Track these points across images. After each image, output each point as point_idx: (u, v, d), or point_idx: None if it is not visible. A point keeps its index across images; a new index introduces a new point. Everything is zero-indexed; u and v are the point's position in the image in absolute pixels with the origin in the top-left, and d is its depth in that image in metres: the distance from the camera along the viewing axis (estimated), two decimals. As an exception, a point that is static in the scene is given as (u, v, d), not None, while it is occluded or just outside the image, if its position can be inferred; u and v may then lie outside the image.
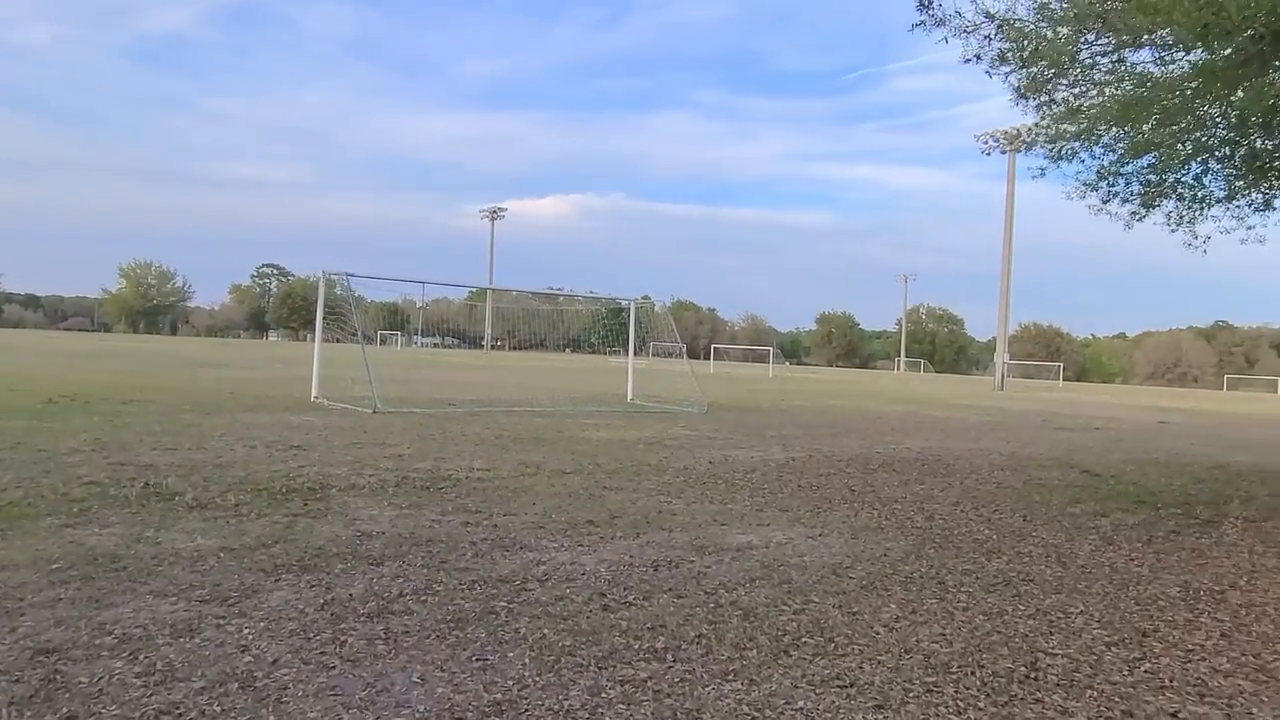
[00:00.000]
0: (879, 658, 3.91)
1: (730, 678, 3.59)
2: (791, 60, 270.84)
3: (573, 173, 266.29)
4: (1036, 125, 9.51)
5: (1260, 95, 6.80)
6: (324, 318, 18.66)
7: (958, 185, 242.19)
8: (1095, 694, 3.64)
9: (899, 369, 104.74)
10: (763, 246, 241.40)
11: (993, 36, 7.17)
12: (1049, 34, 7.00)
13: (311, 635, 3.80)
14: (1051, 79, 7.84)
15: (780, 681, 3.57)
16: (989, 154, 53.96)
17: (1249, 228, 9.51)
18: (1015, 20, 7.01)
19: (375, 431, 11.70)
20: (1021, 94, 8.57)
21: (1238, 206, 9.34)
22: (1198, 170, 9.17)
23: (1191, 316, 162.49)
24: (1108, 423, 22.64)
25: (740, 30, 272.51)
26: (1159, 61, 7.37)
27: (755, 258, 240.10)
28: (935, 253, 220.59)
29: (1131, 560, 6.18)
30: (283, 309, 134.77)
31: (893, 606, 4.71)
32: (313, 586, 4.51)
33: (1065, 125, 9.11)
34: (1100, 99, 8.41)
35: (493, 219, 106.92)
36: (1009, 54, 7.37)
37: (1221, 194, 9.23)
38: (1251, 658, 4.21)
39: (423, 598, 4.41)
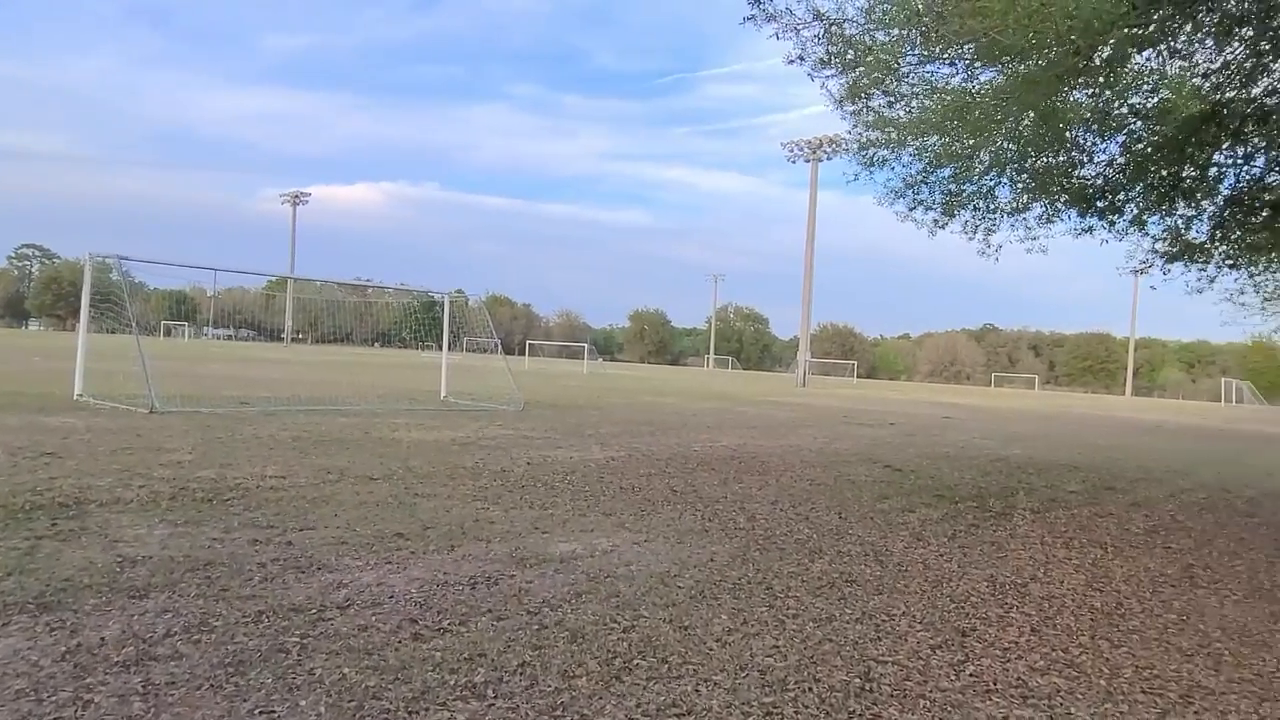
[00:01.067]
0: (714, 678, 3.69)
1: (558, 713, 3.24)
2: (608, 60, 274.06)
3: (384, 160, 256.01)
4: (850, 132, 9.79)
5: (1073, 109, 7.28)
6: (95, 305, 16.57)
7: (765, 191, 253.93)
8: (928, 703, 3.58)
9: (708, 366, 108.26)
10: (579, 243, 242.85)
11: (820, 38, 7.25)
12: (868, 40, 7.15)
13: (45, 696, 3.09)
14: (868, 86, 8.05)
15: (614, 714, 3.26)
16: (794, 161, 56.71)
17: (1034, 238, 10.31)
18: (843, 21, 7.11)
19: (151, 434, 10.41)
20: (839, 101, 8.77)
21: (1025, 218, 10.08)
22: (991, 183, 9.78)
23: (965, 320, 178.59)
24: (900, 418, 24.18)
25: (557, 26, 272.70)
26: (968, 74, 7.73)
27: (571, 254, 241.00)
28: (743, 254, 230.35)
29: (941, 556, 6.38)
30: (46, 295, 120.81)
31: (724, 617, 4.53)
32: (53, 630, 3.73)
33: (876, 133, 9.43)
34: (909, 110, 8.74)
35: (295, 204, 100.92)
36: (833, 57, 7.49)
37: (1011, 206, 9.91)
38: (1061, 653, 4.35)
39: (195, 637, 3.75)
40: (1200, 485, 12.30)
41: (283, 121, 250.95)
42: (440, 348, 22.96)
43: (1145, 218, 9.82)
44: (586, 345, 73.08)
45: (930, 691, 3.71)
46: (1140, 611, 5.24)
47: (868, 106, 8.70)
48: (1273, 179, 9.95)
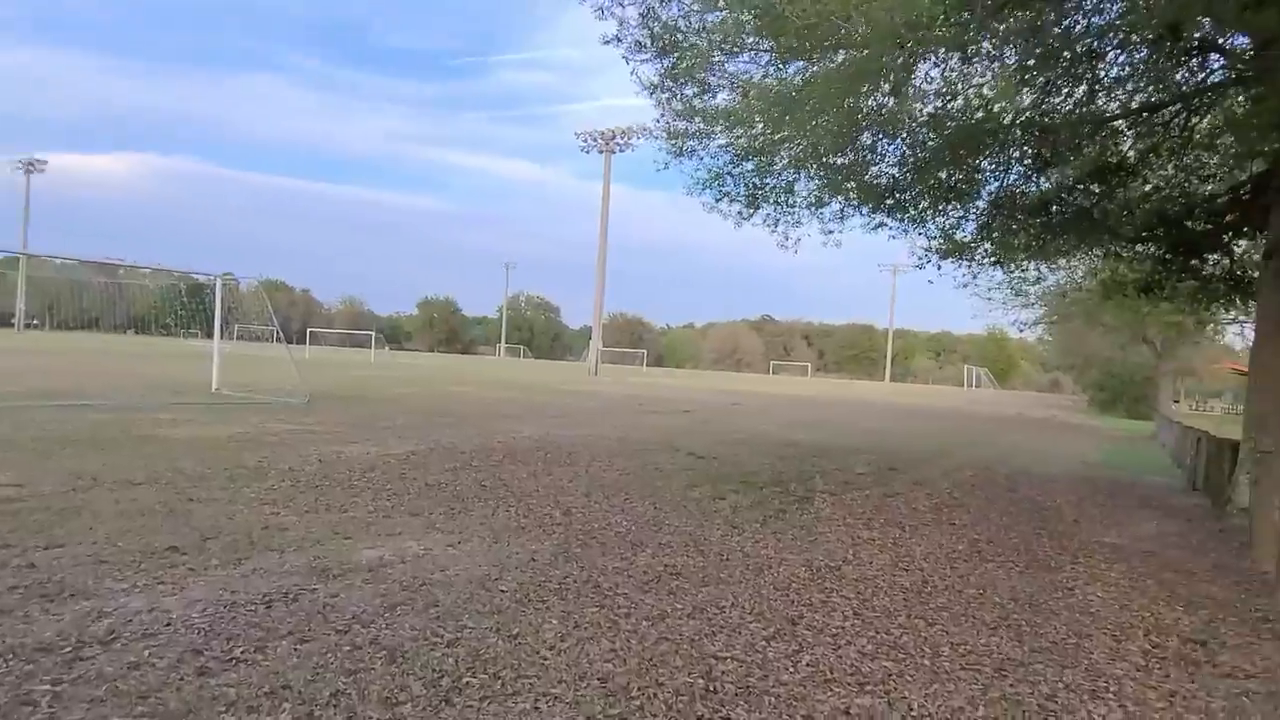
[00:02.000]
0: (553, 691, 3.42)
1: (385, 750, 2.85)
2: (396, 38, 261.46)
3: (137, 128, 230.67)
4: (659, 121, 9.77)
5: (868, 110, 7.61)
6: None
7: (558, 180, 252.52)
8: (774, 700, 3.50)
9: (500, 355, 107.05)
10: (364, 227, 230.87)
11: (641, 19, 7.11)
12: (685, 24, 7.11)
13: None
14: (683, 74, 8.02)
15: (449, 745, 2.91)
16: (588, 152, 56.93)
17: (829, 232, 10.82)
18: (668, 0, 7.01)
19: None
20: (651, 88, 8.70)
21: (823, 213, 10.53)
22: (792, 177, 10.12)
23: (745, 310, 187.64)
24: (693, 406, 24.88)
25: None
26: (778, 67, 7.88)
27: (356, 238, 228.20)
28: (535, 243, 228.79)
29: (757, 543, 6.44)
30: None
31: (554, 622, 4.26)
32: None
33: (684, 124, 9.48)
34: (719, 101, 8.83)
35: (28, 172, 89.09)
36: (652, 40, 7.38)
37: (810, 201, 10.31)
38: (885, 635, 4.45)
39: (-95, 696, 3.00)
40: (966, 464, 13.48)
41: (12, 81, 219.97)
42: (207, 335, 20.91)
43: (924, 217, 10.54)
44: (373, 333, 69.87)
45: (773, 686, 3.64)
46: (944, 588, 5.51)
47: (679, 95, 8.69)
48: (1029, 186, 10.99)
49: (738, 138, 9.35)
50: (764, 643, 4.18)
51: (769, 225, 10.50)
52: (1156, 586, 6.00)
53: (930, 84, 9.27)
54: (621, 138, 54.99)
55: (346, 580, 4.73)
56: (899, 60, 7.55)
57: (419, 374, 36.60)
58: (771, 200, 10.24)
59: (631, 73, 8.98)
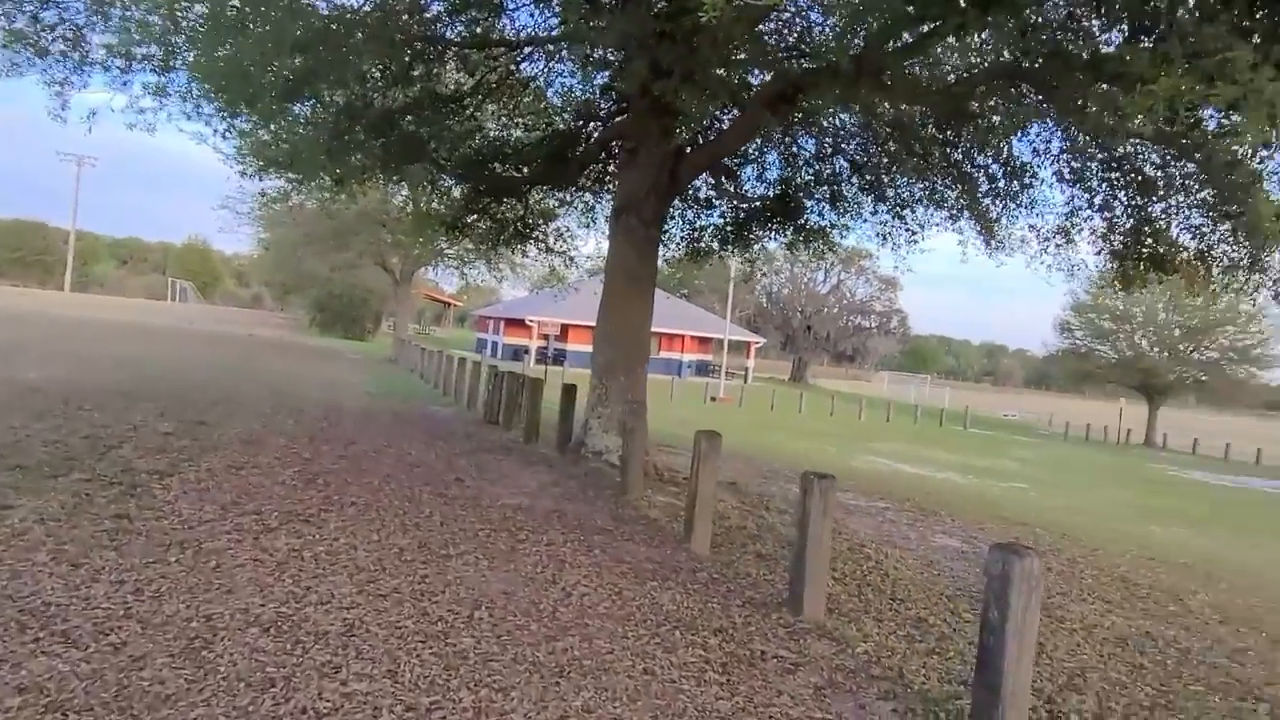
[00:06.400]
0: None
1: None
2: None
3: None
4: None
5: None
6: None
7: None
8: None
9: None
10: None
11: None
12: None
13: None
14: None
15: None
16: None
17: (140, 112, 7.74)
18: None
19: None
20: None
21: (131, 82, 7.48)
22: (81, 22, 6.93)
23: None
24: None
25: None
26: None
27: None
28: None
29: (140, 594, 4.13)
30: None
31: None
32: None
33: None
34: None
35: None
36: None
37: (109, 63, 7.22)
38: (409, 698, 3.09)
39: None
40: (270, 406, 11.79)
41: None
42: None
43: (272, 114, 8.48)
44: None
45: None
46: (461, 622, 4.25)
47: None
48: (377, 102, 9.93)
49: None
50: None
51: (50, 87, 7.06)
52: (608, 559, 5.77)
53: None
54: None
55: None
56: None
57: None
58: (54, 51, 6.87)
59: None
